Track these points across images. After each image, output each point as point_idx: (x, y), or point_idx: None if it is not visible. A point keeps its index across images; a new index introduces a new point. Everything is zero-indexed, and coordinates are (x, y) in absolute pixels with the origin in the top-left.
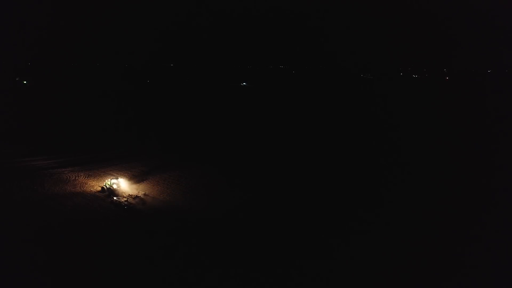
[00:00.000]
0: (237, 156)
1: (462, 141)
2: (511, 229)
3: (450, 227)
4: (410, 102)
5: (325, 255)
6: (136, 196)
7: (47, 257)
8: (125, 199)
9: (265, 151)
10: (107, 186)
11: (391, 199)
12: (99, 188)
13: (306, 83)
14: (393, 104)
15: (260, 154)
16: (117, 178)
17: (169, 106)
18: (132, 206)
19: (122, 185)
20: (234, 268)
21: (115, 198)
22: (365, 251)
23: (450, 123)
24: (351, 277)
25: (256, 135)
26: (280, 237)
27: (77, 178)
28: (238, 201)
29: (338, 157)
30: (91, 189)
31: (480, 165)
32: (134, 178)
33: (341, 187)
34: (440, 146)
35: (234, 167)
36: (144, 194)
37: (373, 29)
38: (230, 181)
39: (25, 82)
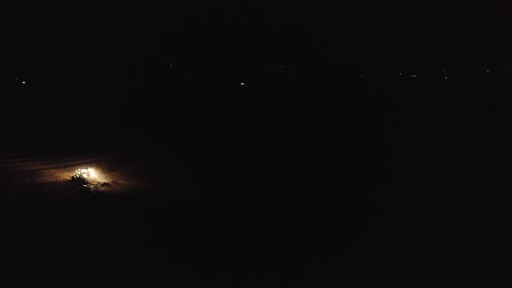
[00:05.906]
0: (221, 152)
1: (461, 140)
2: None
3: (450, 227)
4: (409, 102)
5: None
6: (104, 183)
7: (24, 242)
8: (94, 186)
9: (256, 149)
10: (77, 175)
11: (390, 199)
12: (70, 178)
13: (305, 83)
14: (392, 103)
15: (246, 152)
16: (86, 168)
17: (168, 105)
18: (100, 192)
19: (92, 174)
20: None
21: (84, 185)
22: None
23: (449, 122)
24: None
25: (254, 134)
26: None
27: (52, 171)
28: (199, 188)
29: (337, 156)
30: (63, 179)
31: (480, 164)
32: (104, 167)
33: (338, 186)
34: (440, 145)
35: (217, 163)
36: (112, 181)
37: (372, 29)
38: (201, 174)
39: (24, 82)
